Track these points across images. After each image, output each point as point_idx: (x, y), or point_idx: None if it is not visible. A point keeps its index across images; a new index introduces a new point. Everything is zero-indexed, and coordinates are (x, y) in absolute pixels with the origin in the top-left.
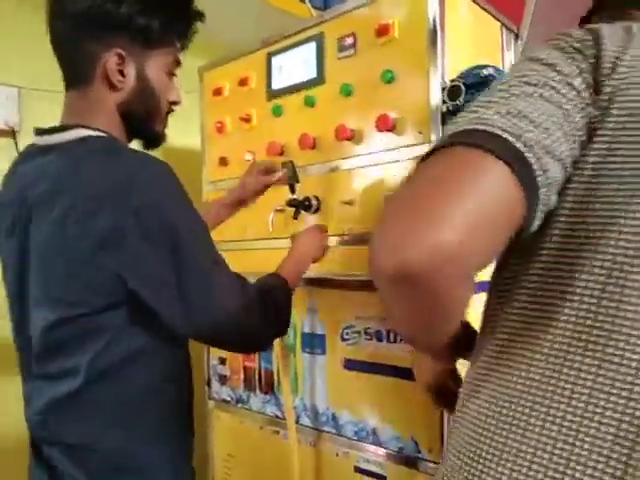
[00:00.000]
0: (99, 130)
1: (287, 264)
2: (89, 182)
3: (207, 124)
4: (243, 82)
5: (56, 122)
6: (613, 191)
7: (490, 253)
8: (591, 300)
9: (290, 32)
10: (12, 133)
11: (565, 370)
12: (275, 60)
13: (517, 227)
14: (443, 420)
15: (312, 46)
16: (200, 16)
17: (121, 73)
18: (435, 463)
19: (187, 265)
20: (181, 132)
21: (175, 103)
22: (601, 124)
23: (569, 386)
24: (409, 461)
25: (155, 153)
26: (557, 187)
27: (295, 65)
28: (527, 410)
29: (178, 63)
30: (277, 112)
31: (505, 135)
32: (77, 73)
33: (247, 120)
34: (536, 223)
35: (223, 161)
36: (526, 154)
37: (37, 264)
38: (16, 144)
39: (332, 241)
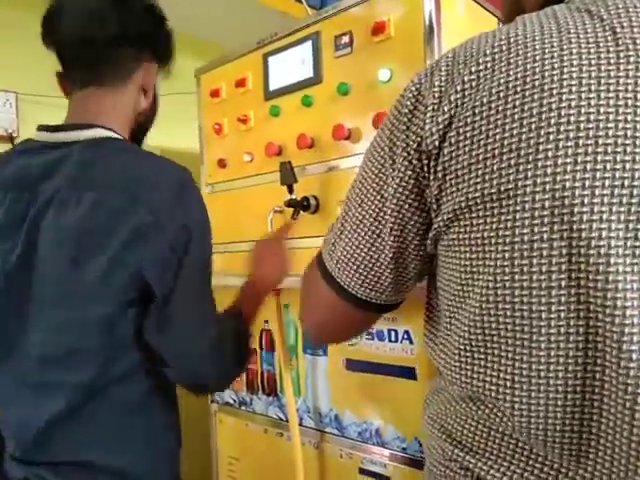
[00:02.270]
0: (114, 132)
1: (249, 302)
2: (120, 178)
3: (205, 126)
4: (240, 83)
5: None
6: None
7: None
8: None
9: (286, 32)
10: (10, 139)
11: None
12: (272, 60)
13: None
14: None
15: (308, 45)
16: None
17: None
18: None
19: (181, 292)
20: (179, 134)
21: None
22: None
23: None
24: (413, 462)
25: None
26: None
27: (292, 65)
28: None
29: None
30: (275, 112)
31: (340, 282)
32: (113, 74)
33: (245, 121)
34: (393, 296)
35: (221, 163)
36: (351, 290)
37: (52, 261)
38: None
39: None
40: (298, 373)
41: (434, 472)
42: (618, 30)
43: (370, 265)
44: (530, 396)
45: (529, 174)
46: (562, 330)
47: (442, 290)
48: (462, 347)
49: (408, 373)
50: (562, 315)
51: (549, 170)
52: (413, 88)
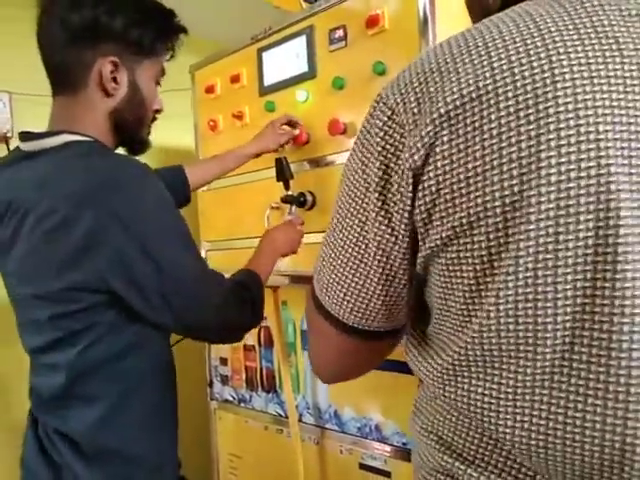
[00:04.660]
0: (86, 135)
1: (259, 259)
2: (71, 186)
3: (200, 123)
4: (235, 79)
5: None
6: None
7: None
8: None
9: (280, 26)
10: (5, 139)
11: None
12: (266, 55)
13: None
14: None
15: (302, 40)
16: (184, 30)
17: (114, 80)
18: None
19: (168, 267)
20: (175, 131)
21: (158, 111)
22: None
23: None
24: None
25: (151, 153)
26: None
27: (286, 60)
28: None
29: (163, 73)
30: (270, 108)
31: (329, 309)
32: (70, 79)
33: (240, 117)
34: (386, 323)
35: None
36: (341, 318)
37: (24, 265)
38: (9, 149)
39: None
40: (297, 369)
41: None
42: (599, 29)
43: (356, 292)
44: (533, 407)
45: (533, 184)
46: (567, 340)
47: (439, 310)
48: (457, 362)
49: (407, 368)
50: (568, 325)
51: (553, 179)
52: (383, 106)
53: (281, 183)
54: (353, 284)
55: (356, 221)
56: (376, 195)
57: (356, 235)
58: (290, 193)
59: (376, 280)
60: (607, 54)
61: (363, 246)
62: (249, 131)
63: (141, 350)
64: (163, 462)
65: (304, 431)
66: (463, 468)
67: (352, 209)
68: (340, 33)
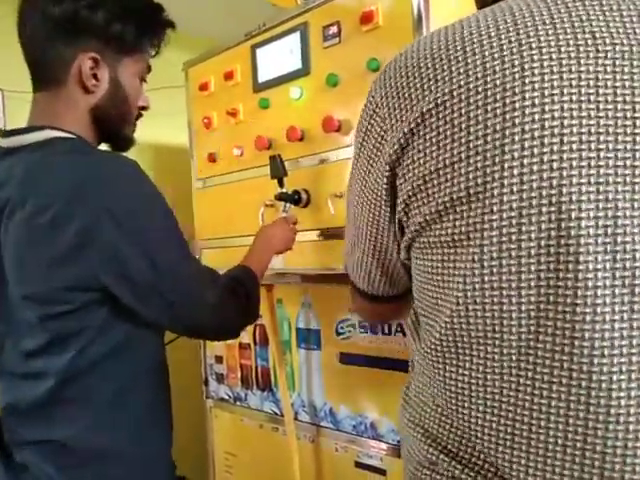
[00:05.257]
0: (68, 132)
1: (253, 256)
2: (60, 183)
3: (194, 120)
4: (228, 76)
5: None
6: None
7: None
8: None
9: (274, 23)
10: None
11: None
12: (260, 52)
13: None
14: None
15: (296, 36)
16: (171, 25)
17: (95, 77)
18: None
19: (163, 264)
20: (168, 129)
21: (144, 108)
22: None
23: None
24: None
25: (145, 151)
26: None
27: (280, 56)
28: None
29: (149, 69)
30: (264, 105)
31: (352, 278)
32: (50, 75)
33: (234, 114)
34: (391, 291)
35: (212, 157)
36: (357, 284)
37: (12, 266)
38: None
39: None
40: (292, 367)
41: (418, 476)
42: (577, 24)
43: (360, 264)
44: (502, 393)
45: (496, 176)
46: (532, 329)
47: (418, 293)
48: (433, 347)
49: (401, 366)
50: (532, 314)
51: (516, 171)
52: (371, 100)
53: (275, 181)
54: (357, 258)
55: (352, 209)
56: (363, 184)
57: (352, 219)
58: (284, 190)
59: (371, 256)
60: (581, 49)
61: (358, 229)
62: (244, 128)
63: (134, 349)
64: (158, 461)
65: (299, 429)
66: (447, 460)
67: (351, 198)
68: (334, 29)
